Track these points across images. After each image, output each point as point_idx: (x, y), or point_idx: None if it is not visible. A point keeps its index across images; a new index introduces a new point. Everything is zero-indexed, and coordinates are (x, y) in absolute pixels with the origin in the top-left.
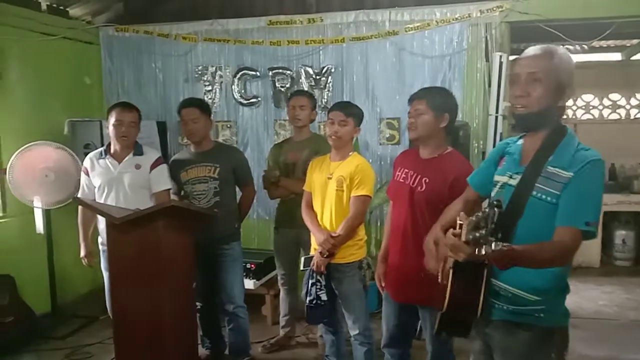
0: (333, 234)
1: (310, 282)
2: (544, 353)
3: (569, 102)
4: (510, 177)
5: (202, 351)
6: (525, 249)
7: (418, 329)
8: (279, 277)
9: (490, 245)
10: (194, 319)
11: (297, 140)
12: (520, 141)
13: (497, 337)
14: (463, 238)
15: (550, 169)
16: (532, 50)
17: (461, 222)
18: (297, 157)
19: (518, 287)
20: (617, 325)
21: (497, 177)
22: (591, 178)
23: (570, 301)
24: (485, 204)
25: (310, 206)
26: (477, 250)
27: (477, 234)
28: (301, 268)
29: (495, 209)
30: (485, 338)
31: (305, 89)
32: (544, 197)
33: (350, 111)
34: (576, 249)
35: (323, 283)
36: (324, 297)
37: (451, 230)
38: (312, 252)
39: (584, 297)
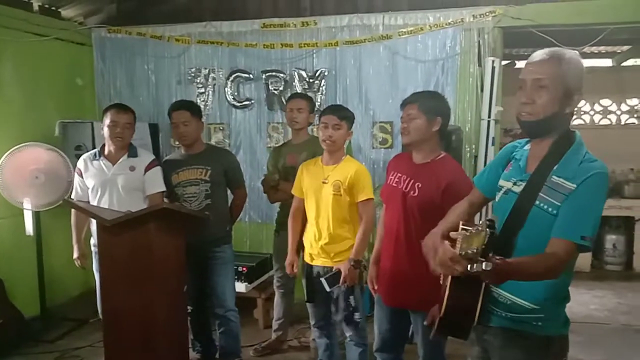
0: (354, 258)
1: (352, 298)
2: None
3: None
4: (515, 183)
5: (192, 355)
6: (518, 261)
7: (410, 333)
8: (275, 280)
9: (481, 265)
10: (185, 322)
11: (295, 143)
12: (527, 146)
13: (495, 344)
14: (457, 251)
15: (555, 179)
16: (539, 54)
17: (458, 235)
18: (296, 160)
19: (516, 294)
20: (609, 330)
21: (502, 182)
22: (593, 191)
23: None
24: (482, 210)
25: (300, 213)
26: (469, 266)
27: (470, 251)
28: (327, 290)
29: (488, 229)
30: (484, 344)
31: (299, 92)
32: (546, 207)
33: (344, 114)
34: (568, 262)
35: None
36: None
37: (447, 242)
38: (307, 259)
39: (575, 302)
